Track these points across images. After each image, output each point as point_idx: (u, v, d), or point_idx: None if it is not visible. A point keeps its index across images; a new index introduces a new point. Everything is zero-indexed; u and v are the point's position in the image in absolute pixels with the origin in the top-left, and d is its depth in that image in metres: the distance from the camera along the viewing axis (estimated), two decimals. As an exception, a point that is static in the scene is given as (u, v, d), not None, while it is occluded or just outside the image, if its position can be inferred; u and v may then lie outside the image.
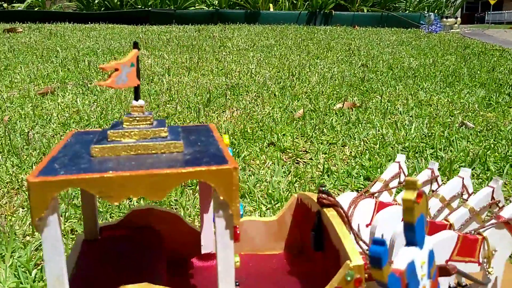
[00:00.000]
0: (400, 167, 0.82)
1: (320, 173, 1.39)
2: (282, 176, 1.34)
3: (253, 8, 6.64)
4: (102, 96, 2.49)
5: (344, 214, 0.58)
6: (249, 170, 1.41)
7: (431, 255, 0.41)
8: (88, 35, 5.10)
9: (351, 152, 1.57)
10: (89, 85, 2.73)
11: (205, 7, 7.05)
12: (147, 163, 0.45)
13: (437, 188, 0.80)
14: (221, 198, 0.44)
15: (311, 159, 1.53)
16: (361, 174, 1.38)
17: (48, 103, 2.39)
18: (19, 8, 7.20)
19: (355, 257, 0.48)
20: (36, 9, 7.18)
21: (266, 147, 1.61)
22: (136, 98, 0.51)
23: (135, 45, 0.50)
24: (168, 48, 4.20)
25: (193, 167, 0.43)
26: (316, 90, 2.50)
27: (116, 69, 0.47)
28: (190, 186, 1.27)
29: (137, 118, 0.50)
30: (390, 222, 0.67)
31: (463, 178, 0.77)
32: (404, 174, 0.83)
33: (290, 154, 1.56)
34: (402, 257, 0.39)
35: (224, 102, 2.27)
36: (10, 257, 0.92)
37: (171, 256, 0.64)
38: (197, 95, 2.42)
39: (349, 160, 1.50)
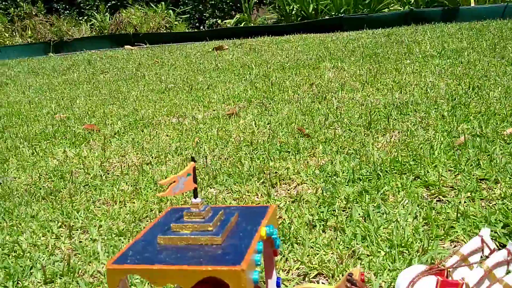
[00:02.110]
0: (483, 241, 0.81)
1: (454, 217, 1.36)
2: (407, 220, 1.35)
3: (452, 5, 6.23)
4: (276, 117, 2.74)
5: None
6: (383, 208, 1.45)
7: None
8: (281, 48, 5.50)
9: (501, 191, 1.48)
10: (267, 105, 3.02)
11: (399, 8, 6.88)
12: (188, 256, 0.60)
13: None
14: (233, 291, 0.57)
15: (454, 197, 1.49)
16: (500, 220, 1.30)
17: (232, 124, 2.74)
18: (228, 25, 8.12)
19: None
20: (242, 24, 8.00)
21: (410, 182, 1.62)
22: (195, 196, 0.67)
23: (193, 159, 0.66)
24: (352, 58, 4.29)
25: (212, 266, 0.57)
26: (491, 109, 2.32)
27: (174, 181, 0.64)
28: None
29: (194, 214, 0.66)
30: None
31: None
32: (490, 249, 0.81)
33: (432, 191, 1.54)
34: None
35: (386, 125, 2.29)
36: None
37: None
38: (362, 115, 2.48)
39: (496, 201, 1.42)
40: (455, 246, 1.23)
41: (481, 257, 0.83)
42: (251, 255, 0.61)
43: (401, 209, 1.42)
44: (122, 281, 0.61)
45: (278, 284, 0.78)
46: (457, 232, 1.27)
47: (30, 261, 1.39)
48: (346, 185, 1.65)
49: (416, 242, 1.22)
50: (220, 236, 0.63)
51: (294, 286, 0.79)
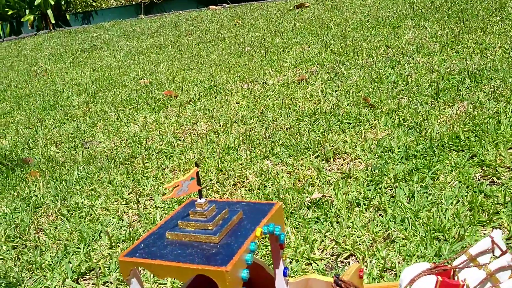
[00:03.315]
0: (493, 242, 0.81)
1: (502, 201, 1.32)
2: (451, 203, 1.34)
3: None
4: (345, 84, 2.71)
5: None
6: (430, 189, 1.44)
7: None
8: (364, 5, 5.30)
9: (562, 175, 1.40)
10: (338, 70, 2.99)
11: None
12: (186, 253, 0.69)
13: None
14: None
15: (509, 179, 1.44)
16: (551, 209, 1.25)
17: (299, 91, 2.77)
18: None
19: None
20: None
21: (465, 161, 1.58)
22: (200, 197, 0.75)
23: (196, 164, 0.73)
24: (436, 15, 4.05)
25: (201, 265, 0.65)
26: None
27: (178, 185, 0.72)
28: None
29: (198, 213, 0.74)
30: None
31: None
32: (501, 250, 0.81)
33: (487, 172, 1.49)
34: None
35: (455, 94, 2.20)
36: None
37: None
38: (433, 84, 2.39)
39: (554, 186, 1.35)
40: (497, 233, 1.20)
41: (491, 258, 0.83)
42: (241, 255, 0.68)
43: (448, 191, 1.40)
44: (132, 271, 0.71)
45: (285, 274, 0.85)
46: (501, 218, 1.24)
47: (101, 225, 1.57)
48: (399, 162, 1.64)
49: (454, 228, 1.21)
50: (217, 236, 0.71)
51: (296, 277, 0.85)
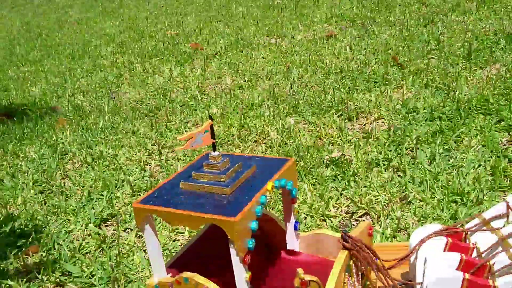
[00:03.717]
0: (508, 207, 0.80)
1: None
2: (473, 167, 1.32)
3: None
4: (374, 41, 2.65)
5: (366, 256, 0.70)
6: (453, 152, 1.42)
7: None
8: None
9: None
10: (368, 27, 2.91)
11: None
12: (198, 202, 0.70)
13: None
14: (229, 237, 0.66)
15: (536, 145, 1.40)
16: None
17: (327, 48, 2.72)
18: None
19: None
20: None
21: (492, 124, 1.54)
22: (214, 150, 0.76)
23: (210, 117, 0.74)
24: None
25: (212, 215, 0.66)
26: None
27: (192, 137, 0.72)
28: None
29: (212, 165, 0.75)
30: (432, 250, 0.76)
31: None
32: (516, 216, 0.80)
33: (513, 136, 1.46)
34: None
35: (488, 56, 2.12)
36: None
37: (268, 245, 0.89)
38: (465, 44, 2.30)
39: None
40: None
41: (505, 223, 0.82)
42: (251, 207, 0.69)
43: (471, 155, 1.37)
44: (146, 217, 0.73)
45: (295, 228, 0.87)
46: (522, 184, 1.22)
47: (123, 174, 1.61)
48: (423, 124, 1.62)
49: (473, 192, 1.20)
50: (230, 187, 0.72)
51: (305, 231, 0.85)
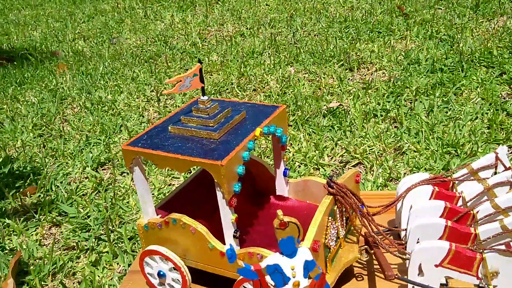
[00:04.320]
0: (497, 158, 0.80)
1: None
2: (470, 119, 1.31)
3: None
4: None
5: (351, 201, 0.71)
6: (451, 104, 1.41)
7: (308, 263, 0.56)
8: None
9: None
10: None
11: None
12: (186, 146, 0.70)
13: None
14: (216, 180, 0.67)
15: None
16: None
17: (332, -4, 2.64)
18: None
19: (306, 241, 0.65)
20: None
21: (494, 78, 1.52)
22: (203, 94, 0.75)
23: (199, 61, 0.73)
24: None
25: (199, 158, 0.67)
26: None
27: (180, 81, 0.72)
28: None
29: (200, 109, 0.74)
30: (417, 198, 0.77)
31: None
32: (504, 167, 0.80)
33: (514, 90, 1.44)
34: (265, 260, 0.56)
35: (497, 7, 2.06)
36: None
37: (258, 190, 0.90)
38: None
39: None
40: (511, 152, 1.19)
41: (494, 174, 0.82)
42: (238, 152, 0.69)
43: (469, 107, 1.36)
44: (135, 159, 0.74)
45: (285, 174, 0.87)
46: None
47: (121, 119, 1.62)
48: (424, 75, 1.60)
49: (468, 144, 1.20)
50: (217, 132, 0.72)
51: (297, 178, 0.86)
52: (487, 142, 1.21)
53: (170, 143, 0.72)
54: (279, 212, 0.53)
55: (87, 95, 1.88)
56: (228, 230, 0.71)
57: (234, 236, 0.71)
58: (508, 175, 0.76)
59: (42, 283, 0.94)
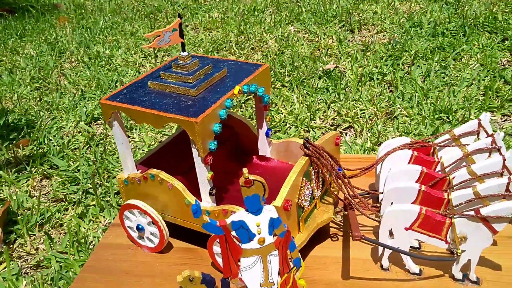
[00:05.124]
0: (480, 125, 0.79)
1: None
2: (466, 86, 1.29)
3: None
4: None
5: (326, 163, 0.71)
6: (449, 70, 1.39)
7: (274, 220, 0.56)
8: None
9: None
10: None
11: None
12: (164, 102, 0.70)
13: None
14: (191, 137, 0.67)
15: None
16: None
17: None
18: None
19: (278, 200, 0.65)
20: None
21: (495, 44, 1.49)
22: (183, 50, 0.74)
23: (179, 16, 0.72)
24: None
25: (174, 115, 0.67)
26: None
27: (159, 35, 0.71)
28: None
29: (180, 65, 0.74)
30: (396, 161, 0.78)
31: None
32: (487, 133, 0.79)
33: (515, 57, 1.41)
34: (231, 217, 0.56)
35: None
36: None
37: (241, 150, 0.90)
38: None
39: None
40: (505, 120, 1.18)
41: (475, 141, 0.81)
42: (215, 110, 0.69)
43: (466, 73, 1.34)
44: (114, 114, 0.74)
45: (267, 134, 0.87)
46: (514, 106, 1.20)
47: (118, 75, 1.61)
48: (425, 39, 1.56)
49: (461, 110, 1.19)
50: (195, 89, 0.72)
51: (278, 140, 0.86)
52: (480, 109, 1.19)
53: (147, 98, 0.72)
54: (245, 170, 0.54)
55: (86, 50, 1.87)
56: (204, 187, 0.72)
57: (210, 193, 0.72)
58: (487, 141, 0.75)
59: (30, 232, 0.96)
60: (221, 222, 0.56)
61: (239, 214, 0.57)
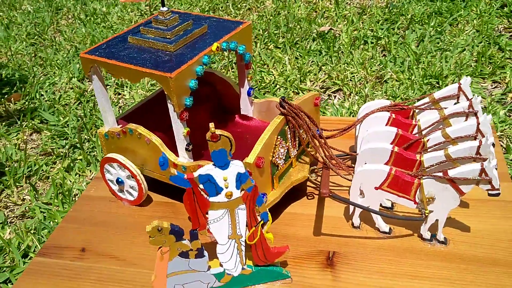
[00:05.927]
0: (460, 89, 0.79)
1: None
2: (459, 52, 1.27)
3: None
4: None
5: (302, 123, 0.72)
6: (444, 35, 1.37)
7: (241, 175, 0.57)
8: None
9: None
10: None
11: None
12: (142, 57, 0.71)
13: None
14: (166, 93, 0.68)
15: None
16: None
17: None
18: None
19: (250, 157, 0.66)
20: None
21: (494, 10, 1.46)
22: (162, 5, 0.74)
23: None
24: None
25: (150, 70, 0.67)
26: None
27: (138, -10, 0.71)
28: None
29: (159, 21, 0.74)
30: (373, 123, 0.78)
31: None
32: (467, 98, 0.79)
33: (512, 23, 1.38)
34: (198, 170, 0.57)
35: None
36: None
37: (224, 108, 0.91)
38: None
39: None
40: (495, 87, 1.17)
41: (455, 104, 0.81)
42: (191, 66, 0.69)
43: (461, 39, 1.33)
44: (93, 68, 0.74)
45: (249, 94, 0.87)
46: (505, 73, 1.19)
47: (113, 32, 1.61)
48: (423, 3, 1.54)
49: (451, 76, 1.18)
50: (173, 45, 0.72)
51: (260, 99, 0.86)
52: (471, 75, 1.18)
53: (126, 53, 0.72)
54: (211, 124, 0.55)
55: (82, 6, 1.86)
56: (180, 143, 0.73)
57: (186, 149, 0.73)
58: (465, 105, 0.75)
59: (17, 184, 0.98)
60: (189, 175, 0.58)
61: (206, 167, 0.58)
